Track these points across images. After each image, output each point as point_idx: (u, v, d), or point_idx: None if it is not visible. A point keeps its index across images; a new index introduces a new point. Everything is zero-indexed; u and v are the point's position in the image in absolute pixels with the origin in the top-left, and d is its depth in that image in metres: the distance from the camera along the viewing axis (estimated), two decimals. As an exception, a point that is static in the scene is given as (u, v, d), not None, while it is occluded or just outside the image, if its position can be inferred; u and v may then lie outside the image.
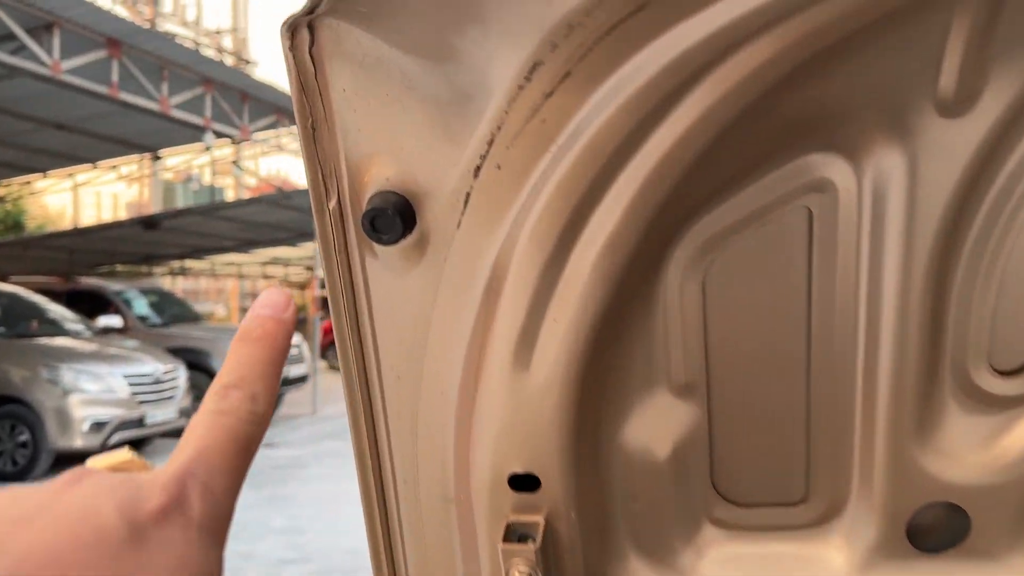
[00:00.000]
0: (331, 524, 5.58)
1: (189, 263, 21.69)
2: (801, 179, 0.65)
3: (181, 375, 8.40)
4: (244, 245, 17.66)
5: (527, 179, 0.62)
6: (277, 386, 0.46)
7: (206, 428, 0.42)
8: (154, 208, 20.81)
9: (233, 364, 0.45)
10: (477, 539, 0.72)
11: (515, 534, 0.68)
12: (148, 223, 14.37)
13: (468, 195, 0.64)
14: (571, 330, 0.65)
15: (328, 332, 15.66)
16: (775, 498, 0.73)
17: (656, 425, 0.70)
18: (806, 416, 0.70)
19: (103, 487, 0.36)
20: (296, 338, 10.49)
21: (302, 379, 10.46)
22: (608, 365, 0.68)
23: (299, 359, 10.38)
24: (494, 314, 0.67)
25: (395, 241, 0.64)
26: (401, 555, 0.77)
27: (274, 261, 22.66)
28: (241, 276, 25.80)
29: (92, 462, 0.42)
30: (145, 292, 11.25)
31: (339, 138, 0.63)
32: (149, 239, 15.45)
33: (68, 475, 0.37)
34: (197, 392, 8.84)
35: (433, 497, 0.73)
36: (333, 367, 16.09)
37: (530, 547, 0.66)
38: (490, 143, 0.62)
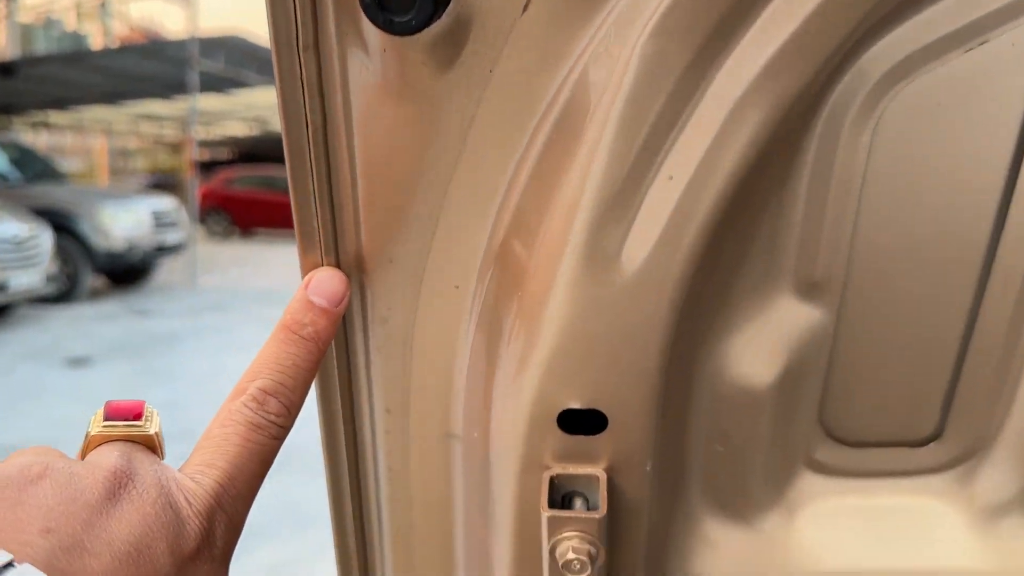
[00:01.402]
0: (213, 400, 5.39)
1: (52, 116, 20.17)
2: None
3: (46, 238, 7.78)
4: (112, 97, 16.47)
5: None
6: (307, 392, 0.45)
7: (238, 446, 0.41)
8: (11, 53, 19.07)
9: (273, 363, 0.44)
10: (491, 493, 0.53)
11: (561, 491, 0.48)
12: (4, 69, 13.17)
13: None
14: (694, 195, 0.42)
15: (206, 196, 14.98)
16: (897, 436, 0.54)
17: (767, 339, 0.50)
18: (967, 327, 0.51)
19: (152, 514, 0.36)
20: (171, 202, 9.95)
21: (178, 247, 9.94)
22: (725, 253, 0.47)
23: (174, 225, 9.83)
24: (565, 162, 0.43)
25: (414, 28, 0.39)
26: (374, 507, 0.56)
27: (147, 117, 21.33)
28: (110, 132, 24.26)
29: (104, 428, 0.40)
30: (4, 146, 10.33)
31: None
32: (6, 87, 14.21)
33: (106, 471, 0.37)
34: (64, 256, 8.33)
35: (429, 432, 0.53)
36: (213, 234, 15.48)
37: (594, 516, 0.45)
38: None
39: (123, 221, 8.86)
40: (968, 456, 0.54)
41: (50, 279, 7.78)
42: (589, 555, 0.45)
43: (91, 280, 8.85)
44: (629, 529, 0.50)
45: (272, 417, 0.42)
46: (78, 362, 6.16)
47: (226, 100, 16.74)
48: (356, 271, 0.49)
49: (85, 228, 8.60)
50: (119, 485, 0.36)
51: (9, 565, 0.30)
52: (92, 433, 0.40)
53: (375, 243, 0.48)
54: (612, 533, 0.49)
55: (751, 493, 0.54)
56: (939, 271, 0.49)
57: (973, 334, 0.50)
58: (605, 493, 0.46)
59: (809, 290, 0.49)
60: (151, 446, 0.41)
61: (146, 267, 9.71)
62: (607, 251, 0.43)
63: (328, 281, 0.46)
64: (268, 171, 15.81)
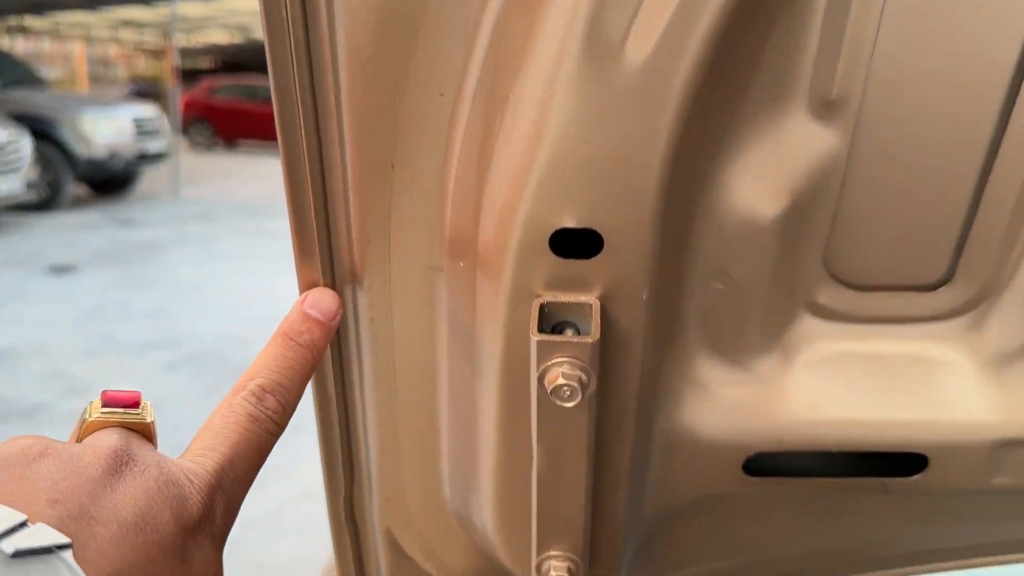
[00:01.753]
0: (198, 308, 5.38)
1: (29, 21, 19.58)
2: None
3: (26, 144, 7.63)
4: (90, 2, 16.00)
5: None
6: (302, 395, 0.48)
7: (240, 433, 0.43)
8: (-17, -47, 18.39)
9: (272, 365, 0.46)
10: (476, 325, 0.49)
11: (552, 321, 0.45)
12: (-24, -30, 12.73)
13: None
14: None
15: (188, 107, 14.68)
16: (904, 279, 0.51)
17: (775, 163, 0.46)
18: (987, 162, 0.47)
19: (155, 488, 0.37)
20: (153, 110, 9.75)
21: (160, 156, 9.77)
22: (736, 61, 0.42)
23: (156, 133, 9.64)
24: None
25: None
26: (354, 350, 0.53)
27: (126, 23, 20.75)
28: (90, 38, 23.63)
29: (102, 415, 0.41)
30: (-22, 50, 10.05)
31: None
32: (-21, -11, 13.76)
33: (107, 450, 0.37)
34: (44, 163, 8.19)
35: (411, 263, 0.49)
36: (196, 144, 15.22)
37: (585, 341, 0.42)
38: None
39: (104, 128, 8.69)
40: (978, 301, 0.51)
41: (30, 186, 7.66)
42: (580, 381, 0.42)
43: (73, 188, 8.73)
44: (621, 360, 0.47)
45: (269, 412, 0.44)
46: (61, 269, 6.11)
47: (208, 6, 16.29)
48: (330, 73, 0.44)
49: (65, 134, 8.44)
50: (120, 463, 0.37)
51: (23, 524, 0.31)
52: (89, 419, 0.41)
53: (350, 41, 0.42)
54: (604, 363, 0.46)
55: (748, 335, 0.51)
56: (962, 96, 0.44)
57: (992, 169, 0.46)
58: (598, 319, 0.44)
59: (823, 109, 0.45)
60: (147, 434, 0.42)
61: (128, 176, 9.57)
62: (610, 40, 0.38)
63: (323, 297, 0.49)
64: (251, 80, 15.49)
